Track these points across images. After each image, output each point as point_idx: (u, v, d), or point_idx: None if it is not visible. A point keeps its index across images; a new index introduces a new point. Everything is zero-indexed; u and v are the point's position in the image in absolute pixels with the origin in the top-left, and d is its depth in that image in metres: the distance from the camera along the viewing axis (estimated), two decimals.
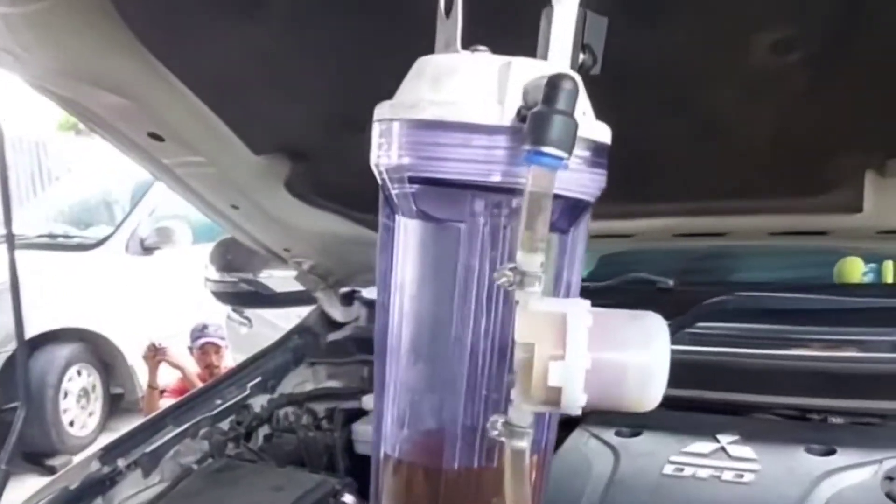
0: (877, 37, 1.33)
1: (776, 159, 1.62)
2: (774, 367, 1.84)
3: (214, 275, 2.60)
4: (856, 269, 2.20)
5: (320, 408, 2.26)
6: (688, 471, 1.57)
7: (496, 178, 0.79)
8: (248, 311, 5.77)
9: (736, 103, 1.53)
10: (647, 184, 1.69)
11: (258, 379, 2.22)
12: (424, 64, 0.85)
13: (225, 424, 2.07)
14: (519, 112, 0.77)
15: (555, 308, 0.77)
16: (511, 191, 0.80)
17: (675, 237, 1.99)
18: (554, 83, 0.73)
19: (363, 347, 2.34)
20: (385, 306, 0.94)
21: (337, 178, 1.98)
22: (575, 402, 0.75)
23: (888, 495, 1.45)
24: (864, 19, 1.32)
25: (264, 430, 2.16)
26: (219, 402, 2.09)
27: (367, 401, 2.09)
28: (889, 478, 1.51)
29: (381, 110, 0.86)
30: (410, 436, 0.95)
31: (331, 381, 2.37)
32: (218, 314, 5.69)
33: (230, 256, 2.58)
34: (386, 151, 0.84)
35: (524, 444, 0.80)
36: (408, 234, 0.89)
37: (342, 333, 2.41)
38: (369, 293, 2.49)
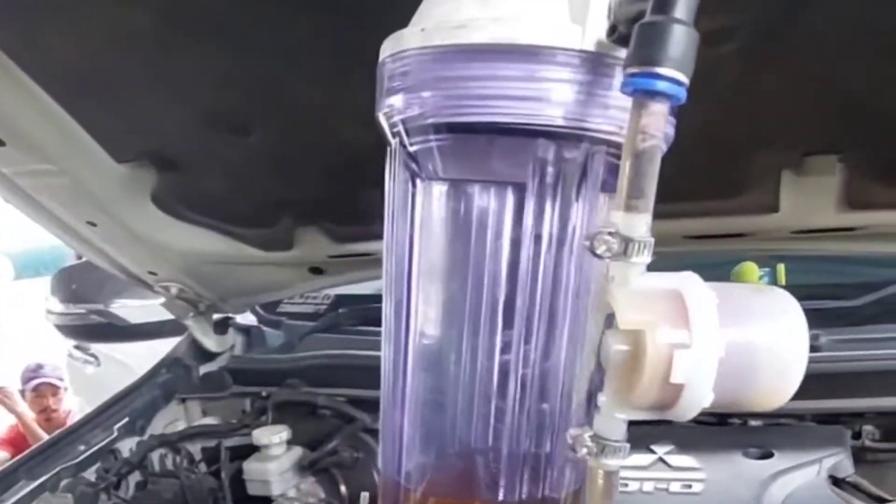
0: (811, 30, 1.26)
1: (697, 159, 1.52)
2: None
3: (58, 307, 2.23)
4: (752, 274, 2.18)
5: (196, 448, 1.96)
6: (632, 485, 1.44)
7: (573, 121, 0.60)
8: (95, 348, 5.15)
9: None
10: None
11: (125, 420, 1.88)
12: None
13: (90, 473, 1.74)
14: (613, 29, 0.58)
15: (666, 283, 0.58)
16: (581, 139, 0.61)
17: None
18: None
19: (241, 378, 2.06)
20: (400, 300, 0.71)
21: (212, 188, 1.70)
22: (699, 401, 0.57)
23: (838, 495, 1.39)
24: (803, 11, 1.25)
25: (135, 477, 1.83)
26: (82, 447, 1.74)
27: (259, 436, 1.81)
28: (832, 477, 1.45)
29: (401, 40, 0.65)
30: (437, 464, 0.73)
31: (206, 418, 2.06)
32: (55, 353, 5.06)
33: (75, 286, 2.23)
34: (411, 94, 0.63)
35: (618, 461, 0.60)
36: (433, 203, 0.68)
37: (217, 364, 2.10)
38: (245, 319, 2.21)
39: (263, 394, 2.01)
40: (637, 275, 0.58)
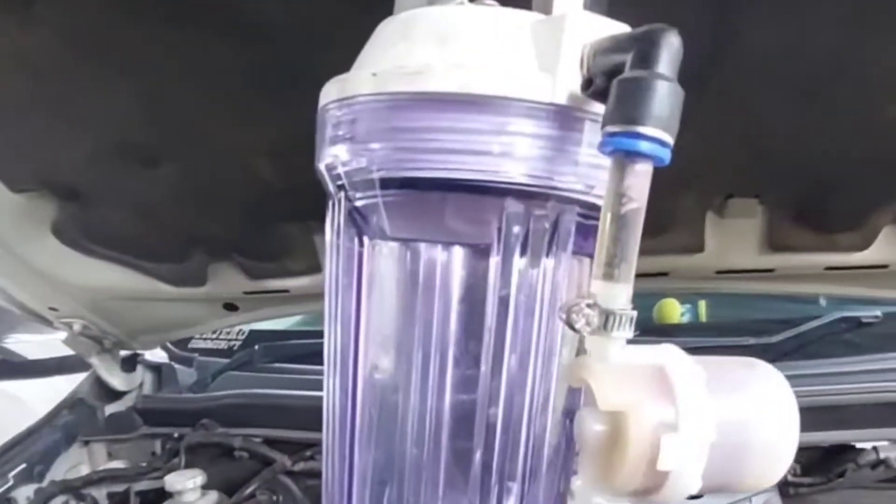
0: (733, 75, 1.25)
1: None
2: None
3: None
4: (674, 310, 2.17)
5: (101, 494, 1.80)
6: None
7: (540, 178, 0.53)
8: None
9: None
10: None
11: (22, 466, 1.71)
12: (414, 21, 0.58)
13: None
14: (589, 82, 0.52)
15: (647, 358, 0.53)
16: (549, 197, 0.55)
17: None
18: (653, 38, 0.49)
19: (151, 419, 1.92)
20: (346, 375, 0.63)
21: (119, 220, 1.58)
22: (686, 489, 0.51)
23: None
24: (725, 56, 1.24)
25: None
26: None
27: (172, 481, 1.69)
28: None
29: (349, 84, 0.57)
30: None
31: (113, 462, 1.91)
32: None
33: None
34: (359, 145, 0.56)
35: None
36: (383, 264, 0.60)
37: (124, 404, 1.95)
38: (154, 356, 2.07)
39: (175, 435, 1.88)
40: (617, 350, 0.52)
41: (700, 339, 1.93)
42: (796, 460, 1.66)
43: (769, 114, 1.20)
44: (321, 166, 0.59)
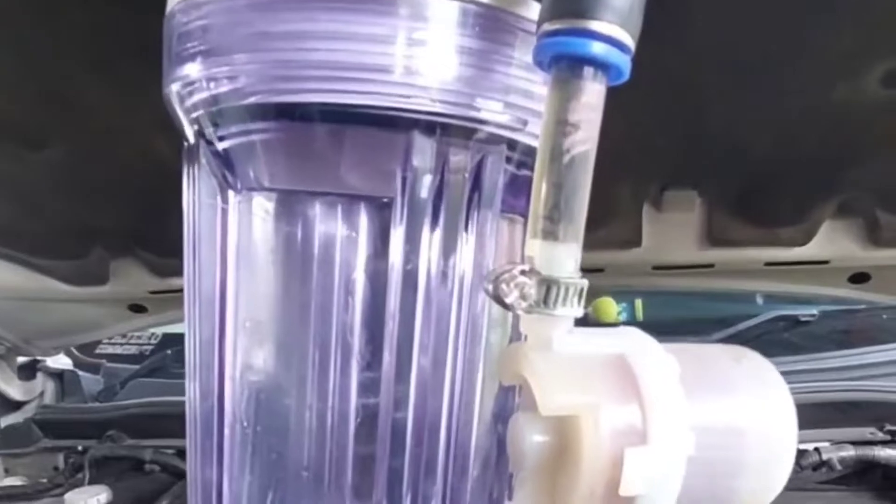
0: (667, 63, 1.13)
1: None
2: None
3: None
4: (610, 309, 2.05)
5: None
6: None
7: (457, 106, 0.38)
8: None
9: None
10: None
11: None
12: None
13: None
14: None
15: (603, 345, 0.38)
16: (470, 133, 0.40)
17: None
18: None
19: (52, 431, 1.72)
20: (211, 344, 0.46)
21: (7, 212, 1.39)
22: None
23: None
24: (660, 43, 1.11)
25: None
26: None
27: (74, 499, 1.49)
28: None
29: None
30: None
31: (9, 478, 1.69)
32: None
33: None
34: (217, 59, 0.39)
35: None
36: (254, 226, 0.44)
37: (22, 415, 1.74)
38: (57, 362, 1.86)
39: (79, 448, 1.67)
40: (563, 333, 0.37)
41: None
42: None
43: (707, 101, 1.10)
44: (168, 93, 0.43)
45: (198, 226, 0.45)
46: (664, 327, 2.00)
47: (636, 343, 0.38)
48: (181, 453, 1.61)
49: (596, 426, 0.35)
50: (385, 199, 0.40)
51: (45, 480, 1.68)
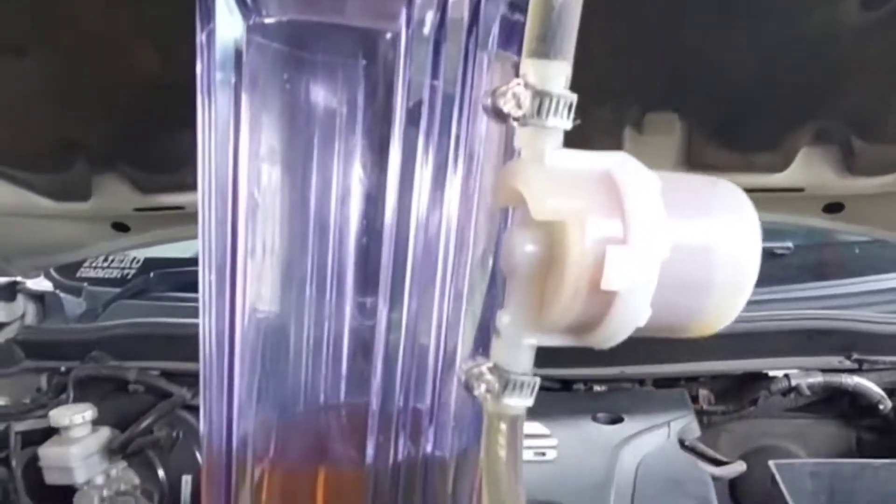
0: None
1: None
2: None
3: None
4: None
5: None
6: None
7: None
8: None
9: None
10: None
11: None
12: None
13: None
14: None
15: (592, 162, 0.42)
16: None
17: None
18: None
19: (34, 352, 1.73)
20: (224, 222, 0.50)
21: None
22: (633, 318, 0.40)
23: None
24: None
25: None
26: None
27: (58, 416, 1.52)
28: (681, 441, 1.38)
29: None
30: (283, 427, 0.52)
31: None
32: None
33: None
34: None
35: (524, 401, 0.44)
36: (258, 94, 0.47)
37: (3, 335, 1.75)
38: (38, 284, 1.87)
39: (63, 369, 1.69)
40: (554, 147, 0.41)
41: None
42: (710, 388, 1.62)
43: (687, 26, 1.12)
44: None
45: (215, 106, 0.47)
46: None
47: (624, 161, 0.41)
48: (166, 374, 1.64)
49: (581, 229, 0.38)
50: (389, 36, 0.44)
51: (27, 401, 1.70)
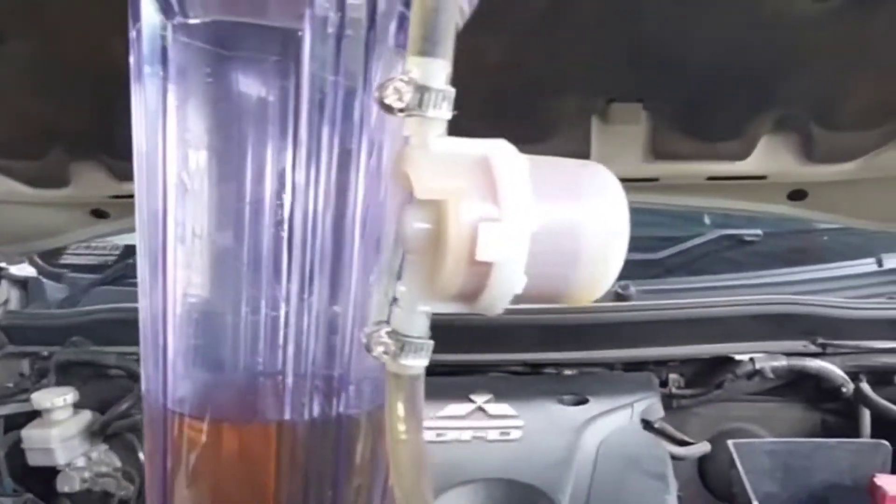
0: None
1: (503, 100, 1.45)
2: (507, 324, 1.68)
3: None
4: None
5: None
6: (450, 434, 1.35)
7: None
8: None
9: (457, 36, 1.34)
10: None
11: None
12: None
13: None
14: None
15: (472, 148, 0.47)
16: None
17: None
18: None
19: (17, 337, 1.78)
20: (156, 211, 0.56)
21: None
22: (510, 286, 0.46)
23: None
24: None
25: None
26: None
27: (40, 399, 1.58)
28: (644, 421, 1.44)
29: None
30: (214, 386, 0.58)
31: None
32: None
33: None
34: None
35: (420, 361, 0.49)
36: (183, 86, 0.52)
37: None
38: (21, 270, 1.92)
39: (45, 353, 1.75)
40: (436, 135, 0.46)
41: None
42: (680, 373, 1.67)
43: (647, 16, 1.17)
44: None
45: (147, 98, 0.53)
46: None
47: (500, 147, 0.47)
48: None
49: (458, 206, 0.44)
50: (300, 34, 0.49)
51: (10, 385, 1.76)
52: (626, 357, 1.63)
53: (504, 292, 0.46)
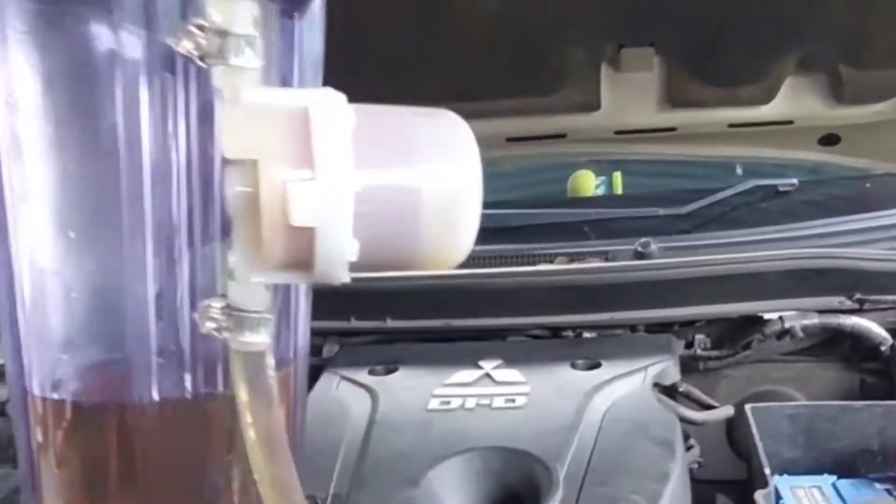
0: None
1: (508, 52, 1.38)
2: (525, 286, 1.62)
3: None
4: (588, 183, 2.06)
5: None
6: (455, 402, 1.31)
7: None
8: None
9: None
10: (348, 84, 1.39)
11: None
12: None
13: None
14: None
15: (290, 100, 0.42)
16: None
17: None
18: None
19: None
20: None
21: None
22: (339, 253, 0.41)
23: (660, 400, 1.30)
24: None
25: None
26: None
27: None
28: (656, 384, 1.37)
29: None
30: (72, 367, 0.56)
31: None
32: None
33: None
34: None
35: (262, 337, 0.45)
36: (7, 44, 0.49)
37: None
38: None
39: None
40: (250, 86, 0.41)
41: (612, 210, 1.83)
42: (706, 333, 1.58)
43: None
44: None
45: None
46: (642, 199, 2.02)
47: (322, 97, 0.42)
48: None
49: (268, 165, 0.40)
50: None
51: None
52: (650, 318, 1.55)
53: (336, 259, 0.41)
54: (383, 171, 0.41)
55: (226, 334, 0.44)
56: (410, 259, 0.44)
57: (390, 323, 1.60)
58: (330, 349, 1.64)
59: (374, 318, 1.61)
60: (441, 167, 0.42)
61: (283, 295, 0.58)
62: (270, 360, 0.45)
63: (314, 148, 0.39)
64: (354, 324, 1.62)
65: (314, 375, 1.48)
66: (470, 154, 0.43)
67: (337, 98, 0.41)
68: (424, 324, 1.60)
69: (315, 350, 1.65)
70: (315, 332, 1.64)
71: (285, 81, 0.51)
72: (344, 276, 0.43)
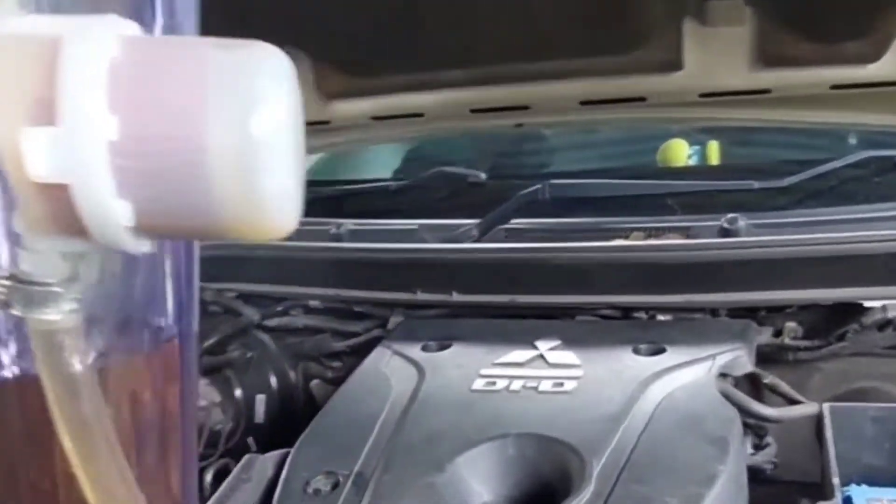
0: None
1: (579, 7, 1.26)
2: (595, 263, 1.50)
3: None
4: (680, 152, 1.88)
5: None
6: (500, 384, 1.23)
7: None
8: None
9: None
10: (425, 45, 1.30)
11: None
12: None
13: None
14: None
15: (48, 29, 0.35)
16: None
17: (474, 113, 1.59)
18: None
19: None
20: None
21: None
22: (106, 213, 0.34)
23: (722, 393, 1.16)
24: None
25: None
26: None
27: None
28: (723, 374, 1.22)
29: None
30: None
31: None
32: None
33: None
34: None
35: (57, 314, 0.39)
36: None
37: None
38: None
39: None
40: (7, 14, 0.35)
41: (703, 182, 1.67)
42: (799, 321, 1.41)
43: None
44: None
45: None
46: (739, 171, 1.83)
47: (82, 28, 0.35)
48: (241, 296, 1.71)
49: (7, 109, 0.33)
50: None
51: None
52: (732, 301, 1.41)
53: (109, 223, 0.34)
54: (153, 118, 0.33)
55: (17, 309, 0.39)
56: (209, 226, 0.36)
57: (456, 297, 1.53)
58: (395, 321, 1.60)
59: (441, 291, 1.55)
60: (229, 105, 0.34)
61: (153, 261, 0.52)
62: (74, 341, 0.39)
63: (57, 89, 0.32)
64: (420, 296, 1.56)
65: (373, 347, 1.44)
66: (274, 98, 0.34)
67: (102, 25, 0.34)
68: (490, 298, 1.52)
69: (381, 322, 1.62)
70: (381, 304, 1.62)
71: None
72: (130, 243, 0.36)
